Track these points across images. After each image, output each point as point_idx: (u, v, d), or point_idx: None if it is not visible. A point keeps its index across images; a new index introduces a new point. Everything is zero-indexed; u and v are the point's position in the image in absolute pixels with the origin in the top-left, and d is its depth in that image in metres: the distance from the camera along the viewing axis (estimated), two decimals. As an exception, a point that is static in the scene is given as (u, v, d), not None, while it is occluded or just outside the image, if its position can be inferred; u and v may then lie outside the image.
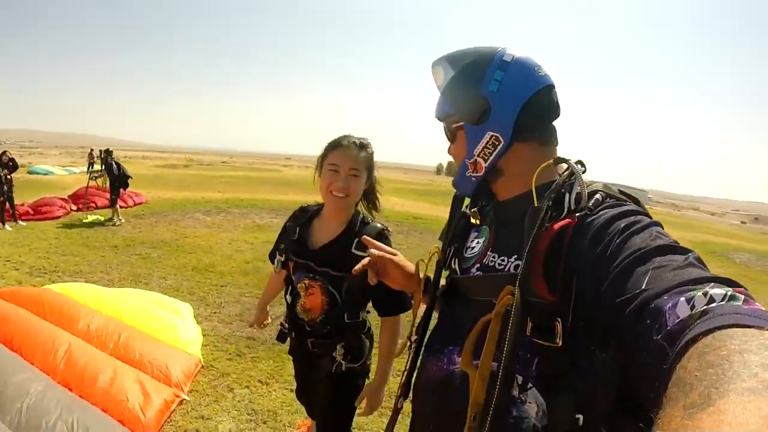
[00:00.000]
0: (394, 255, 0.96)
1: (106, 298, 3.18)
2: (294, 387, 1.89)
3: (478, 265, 0.79)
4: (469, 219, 0.88)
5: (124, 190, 8.06)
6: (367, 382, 1.50)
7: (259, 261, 5.56)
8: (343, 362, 1.43)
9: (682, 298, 0.44)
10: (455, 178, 0.83)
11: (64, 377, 2.20)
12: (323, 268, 1.37)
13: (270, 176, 24.45)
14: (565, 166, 0.67)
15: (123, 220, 7.59)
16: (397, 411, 0.92)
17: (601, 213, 0.61)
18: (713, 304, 0.42)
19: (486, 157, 0.75)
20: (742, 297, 0.43)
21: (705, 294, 0.43)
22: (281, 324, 1.59)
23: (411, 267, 0.96)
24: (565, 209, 0.62)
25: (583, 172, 0.66)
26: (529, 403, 0.61)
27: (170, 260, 5.47)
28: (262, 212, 9.63)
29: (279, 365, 2.92)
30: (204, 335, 3.24)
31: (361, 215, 1.45)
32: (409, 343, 0.93)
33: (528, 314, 0.59)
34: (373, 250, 0.96)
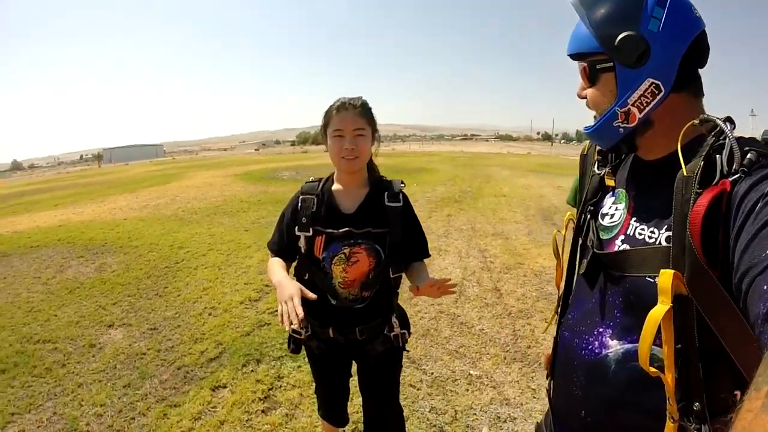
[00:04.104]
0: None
1: None
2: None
3: (622, 237, 0.72)
4: (602, 180, 0.80)
5: None
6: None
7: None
8: (401, 332, 1.40)
9: None
10: (593, 125, 0.73)
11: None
12: (364, 228, 1.32)
13: None
14: (711, 124, 0.62)
15: None
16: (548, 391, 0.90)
17: (753, 175, 0.55)
18: None
19: (642, 107, 0.66)
20: None
21: None
22: (294, 331, 1.39)
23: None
24: (717, 173, 0.57)
25: (732, 129, 0.60)
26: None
27: None
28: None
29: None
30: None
31: (375, 171, 1.44)
32: (556, 317, 0.88)
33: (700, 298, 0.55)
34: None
